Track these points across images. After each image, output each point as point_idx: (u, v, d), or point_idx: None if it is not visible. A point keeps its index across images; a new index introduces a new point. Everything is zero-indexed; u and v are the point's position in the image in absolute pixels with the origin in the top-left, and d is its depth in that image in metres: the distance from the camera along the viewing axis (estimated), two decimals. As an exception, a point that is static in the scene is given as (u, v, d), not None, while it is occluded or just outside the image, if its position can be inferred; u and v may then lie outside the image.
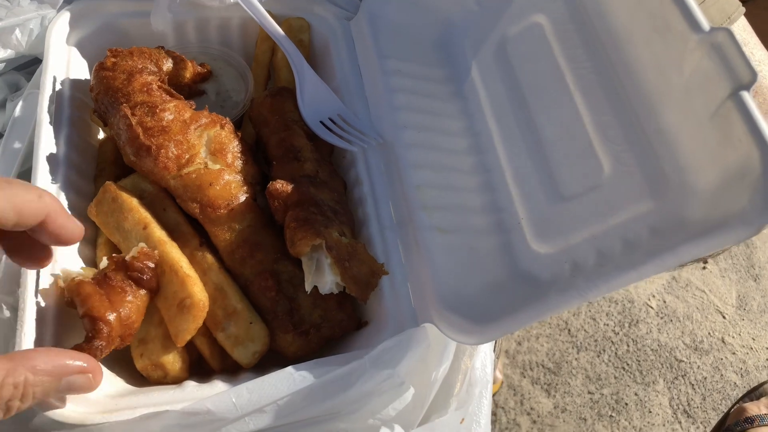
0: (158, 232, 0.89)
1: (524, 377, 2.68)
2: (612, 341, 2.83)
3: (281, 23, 1.18)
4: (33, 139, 0.95)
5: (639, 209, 0.85)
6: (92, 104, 1.01)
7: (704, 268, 3.14)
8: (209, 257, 0.91)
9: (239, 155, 0.97)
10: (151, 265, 0.84)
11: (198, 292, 0.85)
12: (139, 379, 0.88)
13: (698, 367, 2.81)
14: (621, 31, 0.93)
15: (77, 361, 0.70)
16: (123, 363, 0.89)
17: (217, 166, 0.94)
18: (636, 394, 2.70)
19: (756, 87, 0.84)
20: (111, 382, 0.84)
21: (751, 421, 1.85)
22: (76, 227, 0.73)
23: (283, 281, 0.92)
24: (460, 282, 0.93)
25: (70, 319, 0.86)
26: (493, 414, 2.56)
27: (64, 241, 0.72)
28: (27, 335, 0.79)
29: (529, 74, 1.06)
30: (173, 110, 0.95)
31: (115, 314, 0.78)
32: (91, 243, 0.95)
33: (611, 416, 2.63)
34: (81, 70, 1.08)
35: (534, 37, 1.06)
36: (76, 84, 1.05)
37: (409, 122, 1.10)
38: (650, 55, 0.88)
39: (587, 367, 2.74)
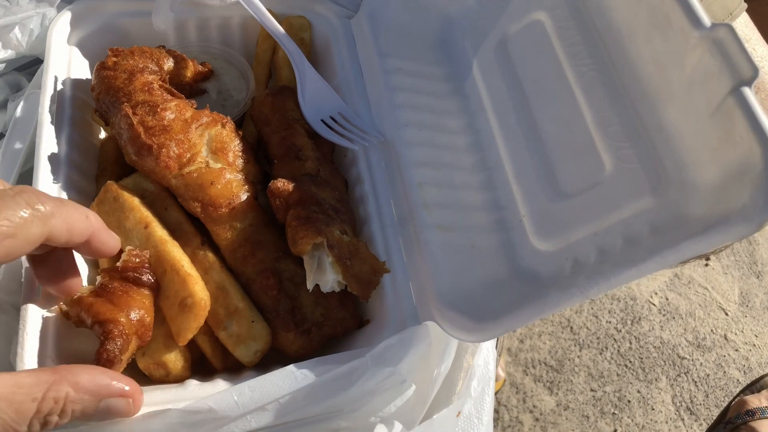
0: (160, 232, 0.89)
1: (527, 375, 2.68)
2: (614, 339, 2.83)
3: (282, 22, 1.18)
4: (34, 139, 0.95)
5: (640, 206, 0.85)
6: (93, 104, 1.02)
7: (707, 265, 3.14)
8: (211, 256, 0.92)
9: (240, 154, 0.97)
10: (145, 262, 0.84)
11: (199, 291, 0.86)
12: (141, 377, 0.88)
13: (701, 364, 2.81)
14: (622, 28, 0.93)
15: (120, 382, 0.69)
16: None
17: (219, 165, 0.95)
18: (639, 392, 2.70)
19: (758, 83, 0.84)
20: (113, 381, 0.85)
21: (752, 413, 1.84)
22: (115, 241, 0.77)
23: (284, 280, 0.93)
24: (461, 280, 0.94)
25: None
26: (496, 412, 2.56)
27: (103, 255, 0.75)
28: (29, 335, 0.79)
29: (530, 71, 1.06)
30: (174, 109, 0.95)
31: (122, 313, 0.78)
32: (93, 242, 0.95)
33: (614, 414, 2.63)
34: (82, 70, 1.09)
35: (534, 34, 1.06)
36: (77, 84, 1.05)
37: (410, 120, 1.09)
38: (651, 52, 0.88)
39: (590, 365, 2.74)
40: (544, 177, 0.98)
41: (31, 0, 1.10)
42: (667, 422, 2.64)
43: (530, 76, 1.06)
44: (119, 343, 0.76)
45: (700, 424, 2.65)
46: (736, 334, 2.93)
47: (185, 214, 0.95)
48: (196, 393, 0.82)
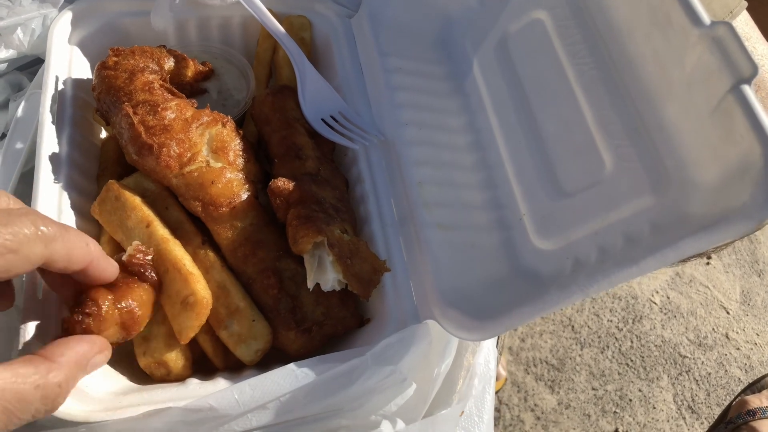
0: (161, 231, 0.89)
1: (528, 374, 2.68)
2: (616, 337, 2.83)
3: (282, 21, 1.18)
4: (36, 139, 0.96)
5: (640, 205, 0.85)
6: (94, 103, 1.02)
7: (708, 263, 3.14)
8: (212, 255, 0.92)
9: (241, 153, 0.98)
10: (149, 258, 0.84)
11: (201, 289, 0.86)
12: (142, 376, 0.88)
13: (702, 362, 2.81)
14: (622, 26, 0.93)
15: (96, 342, 0.71)
16: (126, 361, 0.89)
17: (219, 165, 0.95)
18: (640, 390, 2.70)
19: (758, 81, 0.84)
20: (114, 380, 0.85)
21: (753, 413, 1.84)
22: (113, 269, 0.77)
23: (285, 279, 0.93)
24: (461, 278, 0.94)
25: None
26: (497, 411, 2.56)
27: (99, 282, 0.76)
28: (30, 335, 0.79)
29: (530, 70, 1.06)
30: (175, 109, 0.96)
31: (111, 298, 0.76)
32: (94, 242, 0.95)
33: (615, 412, 2.63)
34: (83, 70, 1.09)
35: (534, 33, 1.06)
36: (78, 83, 1.05)
37: (411, 119, 1.10)
38: (651, 50, 0.88)
39: (591, 364, 2.74)
40: (545, 176, 0.98)
41: (33, 0, 1.10)
42: (668, 421, 2.64)
43: (530, 74, 1.06)
44: (87, 322, 0.73)
45: (702, 423, 2.65)
46: (737, 332, 2.93)
47: (186, 213, 0.95)
48: (197, 392, 0.82)
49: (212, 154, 0.95)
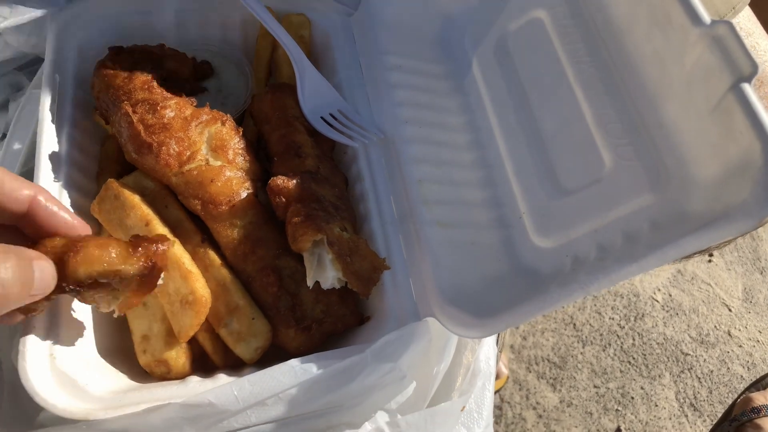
0: (160, 229, 0.90)
1: (530, 372, 2.68)
2: (617, 335, 2.82)
3: (281, 19, 1.18)
4: (35, 139, 0.96)
5: (640, 202, 0.85)
6: (94, 102, 1.02)
7: (710, 261, 3.13)
8: (211, 254, 0.92)
9: (240, 152, 0.98)
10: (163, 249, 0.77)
11: (200, 288, 0.86)
12: (142, 375, 0.89)
13: (704, 360, 2.81)
14: (621, 25, 0.93)
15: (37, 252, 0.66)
16: (126, 359, 0.90)
17: (219, 163, 0.95)
18: (642, 388, 2.69)
19: (760, 77, 0.84)
20: (115, 378, 0.85)
21: (757, 411, 1.84)
22: (73, 219, 0.70)
23: (285, 277, 0.93)
24: (461, 276, 0.94)
25: (73, 317, 0.87)
26: (499, 409, 2.56)
27: (57, 231, 0.68)
28: (31, 333, 0.80)
29: (530, 69, 1.06)
30: (174, 107, 0.96)
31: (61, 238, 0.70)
32: (94, 240, 0.96)
33: (617, 410, 2.63)
34: (82, 69, 1.09)
35: (534, 32, 1.06)
36: (77, 82, 1.05)
37: (410, 118, 1.10)
38: (651, 49, 0.87)
39: (593, 362, 2.74)
40: (544, 174, 0.98)
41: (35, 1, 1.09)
42: (670, 418, 2.64)
43: (530, 73, 1.06)
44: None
45: (704, 420, 2.65)
46: (739, 330, 2.92)
47: (185, 211, 0.95)
48: (197, 390, 0.82)
49: (211, 152, 0.95)
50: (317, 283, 0.89)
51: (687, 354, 2.81)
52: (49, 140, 0.96)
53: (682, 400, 2.69)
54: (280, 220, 0.96)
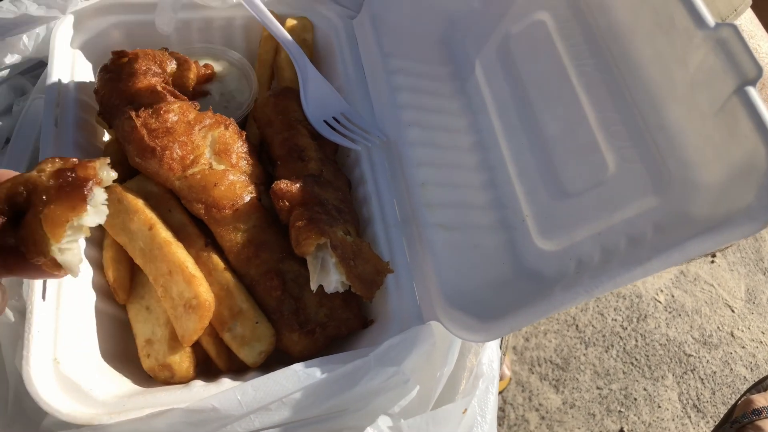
0: (164, 233, 0.90)
1: (532, 373, 2.68)
2: (620, 336, 2.82)
3: (284, 23, 1.18)
4: (39, 143, 0.96)
5: (643, 205, 0.85)
6: (97, 107, 1.02)
7: (712, 261, 3.12)
8: (215, 257, 0.92)
9: (244, 155, 0.98)
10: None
11: (204, 292, 0.86)
12: (146, 379, 0.89)
13: (707, 361, 2.80)
14: (624, 28, 0.92)
15: None
16: (130, 363, 0.90)
17: (222, 167, 0.95)
18: (645, 389, 2.69)
19: (764, 80, 0.84)
20: (118, 383, 0.85)
21: (758, 413, 1.84)
22: None
23: (288, 281, 0.93)
24: (464, 279, 0.93)
25: (77, 322, 0.87)
26: (502, 410, 2.55)
27: None
28: (35, 338, 0.80)
29: (533, 71, 1.06)
30: (177, 111, 0.96)
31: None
32: (97, 244, 0.96)
33: (620, 411, 2.62)
34: (86, 73, 1.09)
35: (537, 34, 1.06)
36: (80, 87, 1.05)
37: (413, 120, 1.09)
38: (654, 52, 0.87)
39: (595, 363, 2.73)
40: (547, 176, 0.98)
41: (40, 6, 1.09)
42: (673, 420, 2.63)
43: (533, 76, 1.06)
44: None
45: (707, 422, 2.64)
46: (742, 331, 2.92)
47: (189, 215, 0.95)
48: (201, 394, 0.82)
49: (215, 156, 0.95)
50: (321, 286, 0.89)
51: (690, 355, 2.81)
52: (52, 144, 0.96)
53: (685, 402, 2.68)
54: (283, 223, 0.96)
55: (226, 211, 0.93)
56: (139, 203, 0.91)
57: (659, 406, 2.65)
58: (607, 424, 2.58)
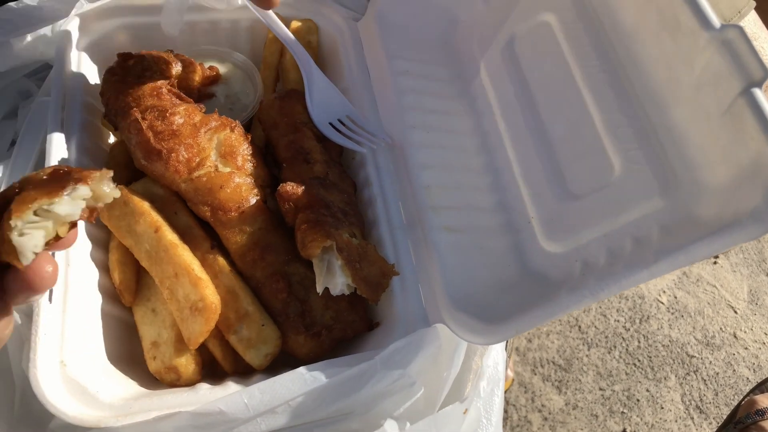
0: (170, 236, 0.90)
1: (535, 374, 2.67)
2: (623, 337, 2.82)
3: (289, 25, 1.18)
4: (44, 145, 0.96)
5: (649, 207, 0.85)
6: (103, 109, 1.02)
7: (715, 263, 3.12)
8: (221, 260, 0.92)
9: (249, 158, 0.98)
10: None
11: (210, 294, 0.86)
12: (152, 381, 0.89)
13: (710, 362, 2.80)
14: (630, 29, 0.92)
15: None
16: (136, 366, 0.90)
17: (228, 169, 0.95)
18: (648, 390, 2.69)
19: (768, 83, 0.83)
20: (125, 385, 0.85)
21: (762, 413, 1.83)
22: None
23: (294, 283, 0.93)
24: (470, 282, 0.93)
25: (83, 324, 0.87)
26: (505, 411, 2.55)
27: None
28: (41, 340, 0.80)
29: (538, 73, 1.06)
30: (183, 114, 0.96)
31: None
32: (103, 246, 0.96)
33: (623, 412, 2.62)
34: (91, 75, 1.09)
35: (542, 35, 1.06)
36: (86, 89, 1.05)
37: (418, 122, 1.09)
38: (660, 53, 0.87)
39: (598, 364, 2.73)
40: (553, 178, 0.98)
41: (46, 7, 1.09)
42: (676, 421, 2.63)
43: (538, 77, 1.06)
44: None
45: (710, 423, 2.64)
46: (745, 332, 2.91)
47: (195, 218, 0.96)
48: (207, 396, 0.82)
49: (221, 158, 0.96)
50: (326, 289, 0.89)
51: (693, 356, 2.80)
52: (58, 147, 0.96)
53: (687, 403, 2.68)
54: (289, 226, 0.96)
55: (232, 213, 0.93)
56: (145, 205, 0.91)
57: (662, 408, 2.65)
58: (609, 426, 2.58)
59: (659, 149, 0.87)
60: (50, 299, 0.83)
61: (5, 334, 0.58)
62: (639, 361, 2.76)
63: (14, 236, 0.53)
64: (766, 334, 2.92)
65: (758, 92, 0.73)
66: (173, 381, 0.87)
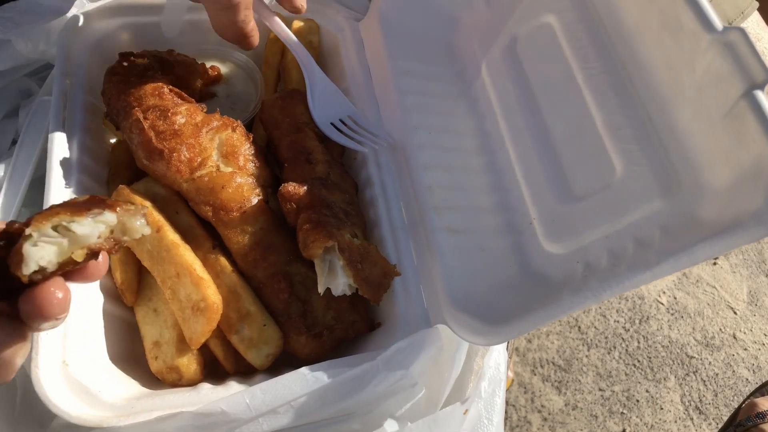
0: (171, 235, 0.90)
1: (535, 375, 2.68)
2: (623, 338, 2.82)
3: (290, 25, 1.18)
4: (46, 145, 0.96)
5: (651, 209, 0.85)
6: (104, 108, 1.02)
7: (715, 264, 3.12)
8: (222, 260, 0.92)
9: (251, 158, 0.98)
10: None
11: (212, 294, 0.86)
12: (154, 381, 0.89)
13: (710, 363, 2.80)
14: (632, 31, 0.92)
15: None
16: (138, 366, 0.90)
17: (229, 169, 0.95)
18: (647, 391, 2.69)
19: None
20: (127, 385, 0.85)
21: (762, 416, 1.83)
22: None
23: (295, 283, 0.93)
24: (472, 283, 0.94)
25: (85, 324, 0.87)
26: (504, 411, 2.55)
27: None
28: (43, 340, 0.80)
29: (539, 74, 1.06)
30: (185, 113, 0.96)
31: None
32: (105, 246, 0.96)
33: (622, 413, 2.62)
34: (92, 75, 1.09)
35: (544, 37, 1.06)
36: (87, 88, 1.05)
37: (420, 123, 1.10)
38: (662, 55, 0.87)
39: (598, 364, 2.73)
40: (555, 179, 0.98)
41: (47, 5, 1.09)
42: (676, 422, 2.63)
43: (539, 78, 1.06)
44: None
45: (710, 424, 2.64)
46: (745, 333, 2.92)
47: (196, 218, 0.96)
48: (209, 396, 0.82)
49: (222, 158, 0.96)
50: (328, 289, 0.89)
51: (692, 357, 2.80)
52: (59, 146, 0.96)
53: (687, 403, 2.68)
54: (290, 226, 0.96)
55: (234, 213, 0.93)
56: (147, 205, 0.91)
57: (661, 408, 2.65)
58: (609, 426, 2.58)
59: (661, 151, 0.87)
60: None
61: (17, 360, 0.56)
62: (638, 361, 2.76)
63: (26, 245, 0.52)
64: (765, 335, 2.93)
65: (760, 94, 0.73)
66: (175, 381, 0.87)
